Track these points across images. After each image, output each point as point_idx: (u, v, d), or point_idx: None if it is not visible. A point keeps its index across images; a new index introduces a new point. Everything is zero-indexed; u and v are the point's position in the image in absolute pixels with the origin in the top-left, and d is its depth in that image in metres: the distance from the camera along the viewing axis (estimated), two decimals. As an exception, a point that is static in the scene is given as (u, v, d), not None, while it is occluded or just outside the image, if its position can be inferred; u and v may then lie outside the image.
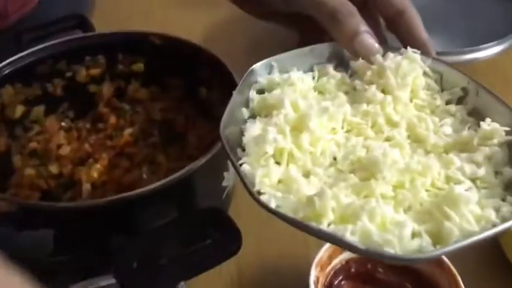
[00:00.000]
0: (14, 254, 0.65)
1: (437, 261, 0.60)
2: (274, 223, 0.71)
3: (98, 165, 0.66)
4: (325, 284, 0.60)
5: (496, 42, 0.85)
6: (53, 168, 0.66)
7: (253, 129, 0.48)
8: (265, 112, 0.52)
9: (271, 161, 0.46)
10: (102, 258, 0.55)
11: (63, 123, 0.71)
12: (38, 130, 0.69)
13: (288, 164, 0.47)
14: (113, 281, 0.53)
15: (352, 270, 0.62)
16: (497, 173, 0.48)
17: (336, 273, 0.62)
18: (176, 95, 0.73)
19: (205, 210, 0.57)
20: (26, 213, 0.57)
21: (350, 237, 0.40)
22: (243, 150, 0.48)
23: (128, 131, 0.69)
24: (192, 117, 0.71)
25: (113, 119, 0.71)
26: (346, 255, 0.62)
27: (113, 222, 0.57)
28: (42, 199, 0.65)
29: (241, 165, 0.46)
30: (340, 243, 0.41)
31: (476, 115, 0.52)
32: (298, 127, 0.48)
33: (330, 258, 0.61)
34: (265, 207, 0.43)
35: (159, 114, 0.71)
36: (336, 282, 0.61)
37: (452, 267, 0.59)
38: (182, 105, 0.72)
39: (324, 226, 0.42)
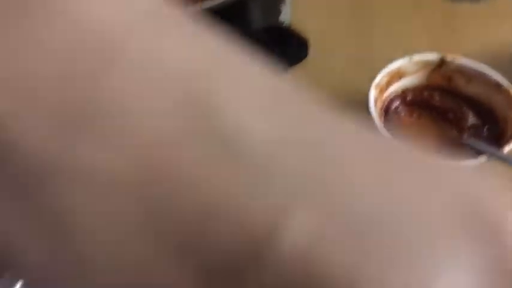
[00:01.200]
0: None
1: (495, 85, 0.60)
2: (338, 53, 0.71)
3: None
4: (383, 108, 0.61)
5: None
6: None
7: None
8: None
9: None
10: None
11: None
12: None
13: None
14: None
15: (409, 98, 0.63)
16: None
17: (392, 100, 0.63)
18: None
19: (266, 27, 0.58)
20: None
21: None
22: None
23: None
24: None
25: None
26: (402, 83, 0.63)
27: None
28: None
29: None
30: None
31: None
32: None
33: (388, 84, 0.62)
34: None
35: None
36: (393, 107, 0.62)
37: (510, 90, 0.59)
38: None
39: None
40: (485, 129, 0.59)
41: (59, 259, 0.19)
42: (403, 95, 0.63)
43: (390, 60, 0.61)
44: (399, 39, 0.68)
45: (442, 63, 0.62)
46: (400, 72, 0.62)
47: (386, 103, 0.62)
